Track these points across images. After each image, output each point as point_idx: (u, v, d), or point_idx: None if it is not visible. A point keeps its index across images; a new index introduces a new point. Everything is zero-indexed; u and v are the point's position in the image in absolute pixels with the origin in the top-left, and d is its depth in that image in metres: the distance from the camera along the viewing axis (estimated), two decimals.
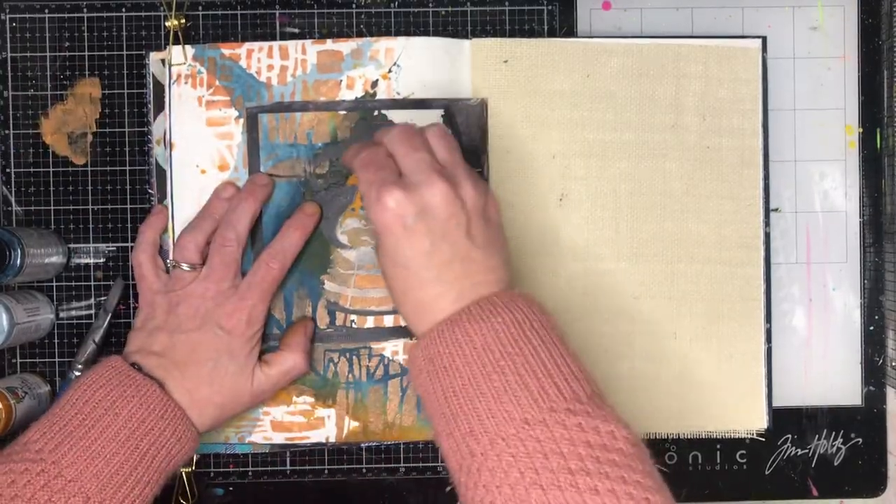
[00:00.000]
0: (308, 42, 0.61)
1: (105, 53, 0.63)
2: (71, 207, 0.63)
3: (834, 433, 0.64)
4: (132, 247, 0.60)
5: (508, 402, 0.44)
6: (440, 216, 0.49)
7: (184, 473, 0.62)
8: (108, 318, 0.62)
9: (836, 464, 0.64)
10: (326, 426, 0.61)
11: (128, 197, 0.63)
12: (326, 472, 0.63)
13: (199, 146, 0.60)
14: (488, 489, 0.43)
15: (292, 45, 0.61)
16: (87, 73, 0.63)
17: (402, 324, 0.61)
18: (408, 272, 0.49)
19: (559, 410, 0.43)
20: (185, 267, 0.56)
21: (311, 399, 0.61)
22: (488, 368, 0.45)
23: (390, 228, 0.49)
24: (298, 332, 0.59)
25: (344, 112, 0.60)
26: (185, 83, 0.60)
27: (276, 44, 0.61)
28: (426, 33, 0.63)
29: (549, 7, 0.64)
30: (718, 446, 0.64)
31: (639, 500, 0.41)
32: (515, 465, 0.42)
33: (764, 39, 0.62)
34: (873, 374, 0.64)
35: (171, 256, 0.59)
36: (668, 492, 0.43)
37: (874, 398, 0.64)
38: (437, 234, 0.49)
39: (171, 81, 0.60)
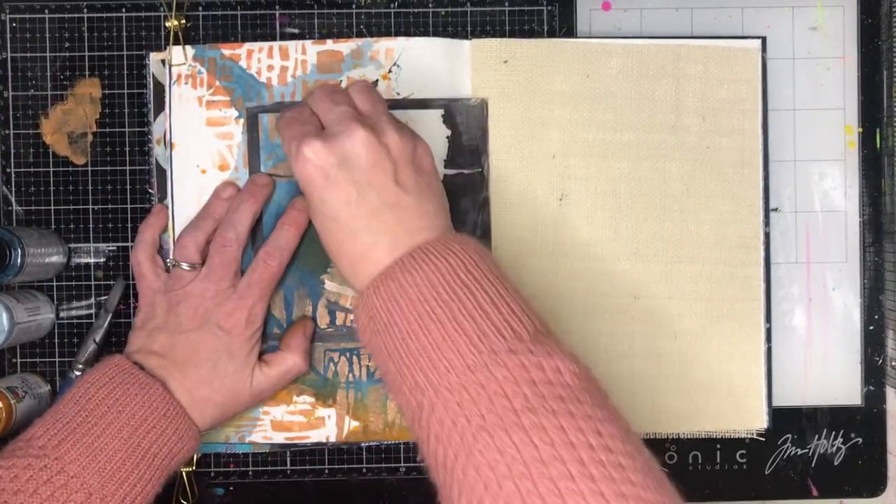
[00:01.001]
0: (308, 42, 0.61)
1: (105, 53, 0.63)
2: (71, 207, 0.63)
3: (834, 433, 0.64)
4: (132, 246, 0.61)
5: (448, 350, 0.43)
6: (363, 164, 0.48)
7: (184, 473, 0.62)
8: (109, 317, 0.62)
9: (836, 464, 0.64)
10: (327, 426, 0.61)
11: (128, 197, 0.63)
12: (326, 472, 0.63)
13: (200, 146, 0.60)
14: (439, 440, 0.42)
15: (292, 46, 0.61)
16: (87, 73, 0.63)
17: None
18: (338, 225, 0.49)
19: (500, 352, 0.43)
20: (184, 266, 0.56)
21: (311, 399, 0.61)
22: (425, 319, 0.44)
23: (313, 181, 0.48)
24: (298, 333, 0.59)
25: None
26: (186, 83, 0.60)
27: (276, 44, 0.61)
28: (426, 33, 0.63)
29: (549, 7, 0.64)
30: (718, 446, 0.64)
31: (588, 433, 0.40)
32: (462, 413, 0.42)
33: (764, 40, 0.62)
34: (873, 373, 0.64)
35: (171, 256, 0.59)
36: (623, 421, 0.42)
37: (874, 398, 0.64)
38: (362, 182, 0.48)
39: (172, 81, 0.60)
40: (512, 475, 0.39)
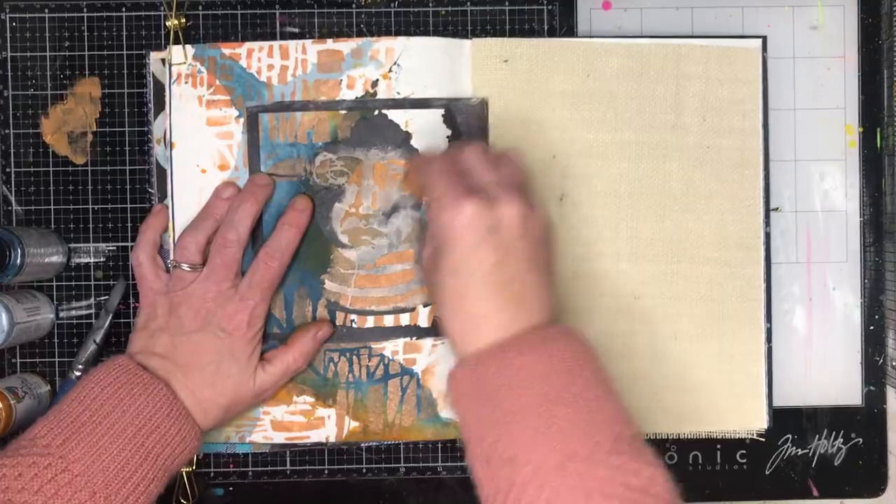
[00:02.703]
0: (308, 42, 0.61)
1: (105, 53, 0.63)
2: (71, 207, 0.63)
3: (834, 433, 0.64)
4: (132, 246, 0.60)
5: (554, 435, 0.44)
6: (512, 234, 0.49)
7: (184, 473, 0.62)
8: (110, 318, 0.62)
9: (836, 464, 0.64)
10: (326, 426, 0.61)
11: (128, 197, 0.63)
12: (326, 472, 0.63)
13: (200, 146, 0.60)
14: None
15: (293, 45, 0.61)
16: (87, 72, 0.63)
17: (403, 323, 0.61)
18: (467, 285, 0.49)
19: (603, 450, 0.43)
20: (185, 267, 0.56)
21: (311, 399, 0.61)
22: (537, 400, 0.45)
23: (462, 237, 0.48)
24: (306, 332, 0.59)
25: (344, 112, 0.60)
26: (186, 83, 0.60)
27: (276, 43, 0.61)
28: (426, 33, 0.63)
29: (550, 7, 0.64)
30: (718, 446, 0.64)
31: None
32: (554, 500, 0.42)
33: (764, 39, 0.62)
34: (873, 373, 0.64)
35: (171, 256, 0.59)
36: None
37: (874, 398, 0.64)
38: (504, 250, 0.48)
39: (172, 81, 0.60)
40: None
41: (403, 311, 0.61)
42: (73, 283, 0.63)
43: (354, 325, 0.61)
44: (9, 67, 0.63)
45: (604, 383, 0.47)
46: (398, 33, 0.63)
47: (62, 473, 0.48)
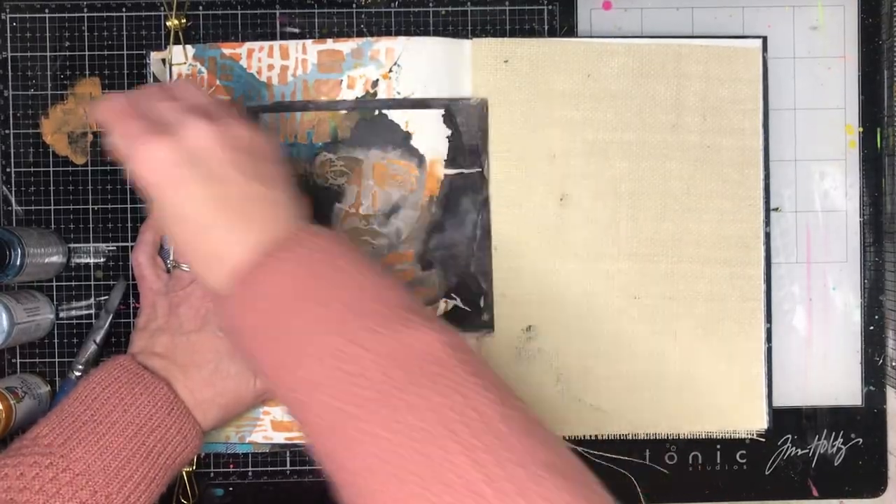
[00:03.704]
0: (308, 42, 0.61)
1: (105, 53, 0.63)
2: (71, 207, 0.63)
3: (834, 433, 0.64)
4: (132, 247, 0.60)
5: (308, 342, 0.42)
6: (210, 157, 0.45)
7: (184, 473, 0.62)
8: (110, 318, 0.62)
9: (836, 464, 0.64)
10: None
11: (128, 197, 0.63)
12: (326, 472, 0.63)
13: None
14: (320, 431, 0.41)
15: (293, 45, 0.61)
16: (87, 72, 0.63)
17: None
18: (187, 225, 0.46)
19: (365, 328, 0.41)
20: (185, 267, 0.57)
21: None
22: (286, 315, 0.43)
23: (158, 185, 0.45)
24: None
25: (345, 112, 0.60)
26: None
27: (276, 43, 0.61)
28: (426, 33, 0.63)
29: (550, 7, 0.63)
30: (718, 446, 0.64)
31: (464, 406, 0.39)
32: (331, 403, 0.40)
33: (764, 39, 0.62)
34: (873, 373, 0.64)
35: (171, 257, 0.59)
36: (503, 388, 0.41)
37: (874, 398, 0.64)
38: (210, 177, 0.45)
39: (172, 81, 0.60)
40: (380, 455, 0.38)
41: None
42: (73, 283, 0.63)
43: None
44: (9, 67, 0.63)
45: (357, 270, 0.44)
46: (398, 33, 0.63)
47: (63, 472, 0.48)
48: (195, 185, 0.45)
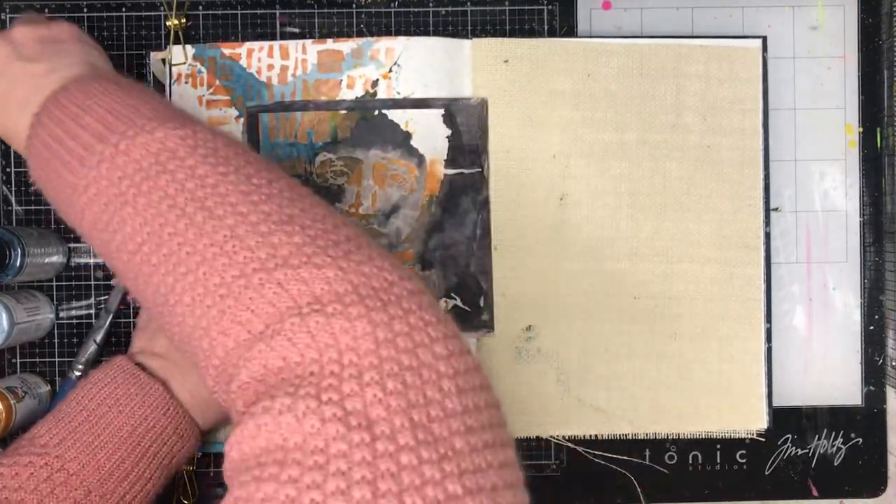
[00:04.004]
0: (308, 42, 0.61)
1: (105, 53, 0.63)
2: None
3: (834, 433, 0.64)
4: None
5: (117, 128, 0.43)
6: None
7: (185, 473, 0.62)
8: (110, 318, 0.62)
9: (836, 464, 0.64)
10: None
11: None
12: None
13: None
14: (95, 225, 0.42)
15: (293, 45, 0.61)
16: None
17: None
18: None
19: (130, 130, 0.42)
20: None
21: None
22: (64, 120, 0.44)
23: None
24: None
25: (344, 111, 0.60)
26: (186, 83, 0.60)
27: (276, 43, 0.61)
28: (426, 33, 0.63)
29: (550, 7, 0.63)
30: (718, 446, 0.64)
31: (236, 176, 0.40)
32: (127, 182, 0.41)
33: (764, 39, 0.62)
34: (873, 373, 0.64)
35: None
36: (272, 169, 0.41)
37: (874, 398, 0.64)
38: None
39: (172, 81, 0.60)
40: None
41: None
42: (73, 283, 0.63)
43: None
44: None
45: (113, 81, 0.47)
46: (398, 33, 0.63)
47: (58, 472, 0.49)
48: None
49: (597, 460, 0.63)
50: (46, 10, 0.63)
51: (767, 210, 0.62)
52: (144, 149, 0.41)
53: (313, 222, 0.38)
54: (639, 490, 0.63)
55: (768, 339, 0.62)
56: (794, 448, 0.64)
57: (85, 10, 0.63)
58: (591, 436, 0.62)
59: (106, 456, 0.50)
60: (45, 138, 0.45)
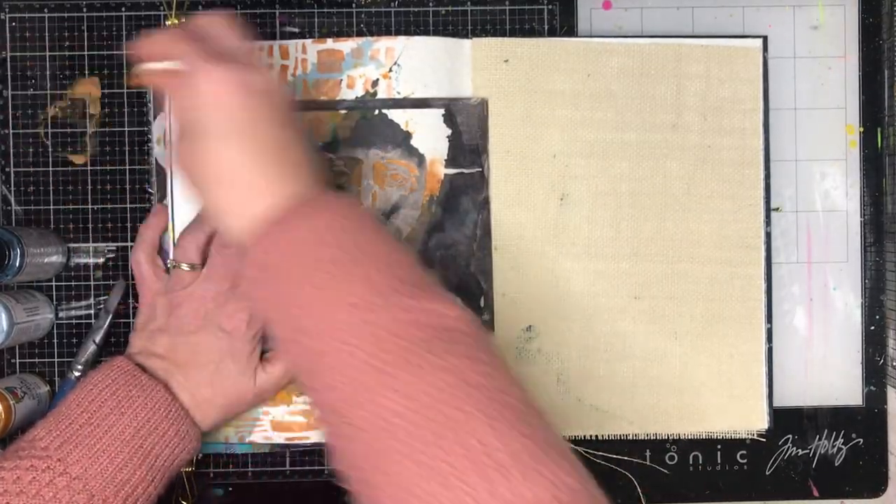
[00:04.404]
0: (308, 41, 0.61)
1: (105, 53, 0.63)
2: (71, 207, 0.63)
3: (835, 433, 0.64)
4: (132, 247, 0.60)
5: (335, 291, 0.42)
6: (263, 98, 0.47)
7: (184, 473, 0.62)
8: (109, 318, 0.62)
9: (836, 464, 0.64)
10: None
11: (128, 197, 0.63)
12: (326, 472, 0.63)
13: None
14: (333, 385, 0.41)
15: (292, 45, 0.60)
16: (86, 72, 0.63)
17: None
18: (226, 155, 0.46)
19: (385, 294, 0.42)
20: (184, 267, 0.56)
21: None
22: (310, 268, 0.43)
23: (212, 104, 0.45)
24: None
25: (344, 111, 0.60)
26: None
27: (276, 43, 0.61)
28: (426, 33, 0.63)
29: (550, 6, 0.63)
30: (718, 446, 0.64)
31: (470, 371, 0.39)
32: (346, 349, 0.41)
33: (765, 39, 0.62)
34: (874, 373, 0.64)
35: (171, 256, 0.59)
36: (504, 367, 0.42)
37: (875, 398, 0.64)
38: (258, 115, 0.46)
39: None
40: (399, 412, 0.39)
41: None
42: (73, 283, 0.63)
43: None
44: (9, 67, 0.63)
45: (382, 236, 0.45)
46: (398, 33, 0.63)
47: (60, 476, 0.48)
48: (245, 116, 0.45)
49: (597, 460, 0.63)
50: (46, 10, 0.63)
51: (768, 210, 0.62)
52: (415, 325, 0.41)
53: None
54: (639, 490, 0.63)
55: (769, 339, 0.62)
56: (794, 448, 0.64)
57: (84, 9, 0.63)
58: (591, 436, 0.62)
59: (108, 459, 0.50)
60: (280, 263, 0.44)
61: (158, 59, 0.48)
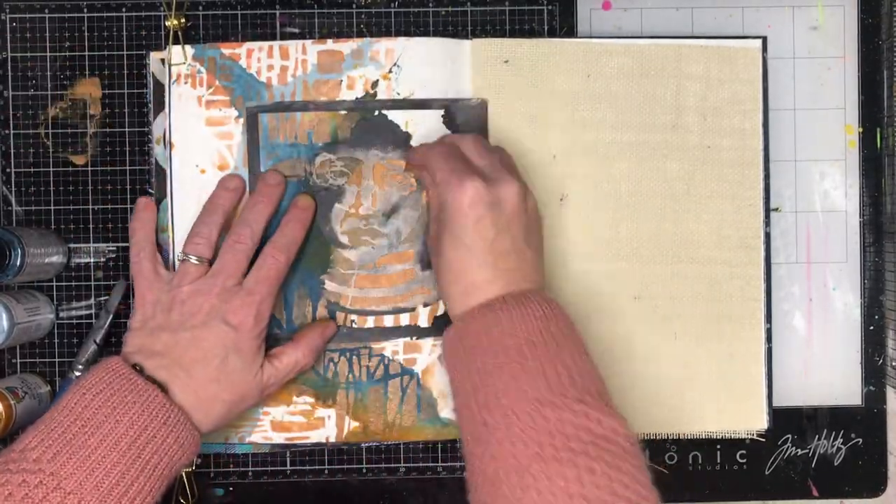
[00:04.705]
0: (308, 42, 0.61)
1: (105, 53, 0.63)
2: (71, 207, 0.63)
3: (834, 433, 0.64)
4: (130, 248, 0.60)
5: (524, 382, 0.48)
6: (509, 211, 0.53)
7: (184, 473, 0.62)
8: (110, 318, 0.62)
9: (836, 464, 0.64)
10: (326, 426, 0.61)
11: (128, 197, 0.63)
12: (326, 472, 0.63)
13: (199, 146, 0.60)
14: (495, 458, 0.47)
15: (292, 45, 0.61)
16: (87, 72, 0.63)
17: (403, 323, 0.61)
18: (470, 254, 0.53)
19: (569, 398, 0.47)
20: (193, 260, 0.56)
21: (311, 399, 0.61)
22: (511, 352, 0.49)
23: (464, 212, 0.52)
24: (314, 329, 0.59)
25: (344, 112, 0.60)
26: (185, 83, 0.60)
27: (276, 44, 0.61)
28: (426, 33, 0.63)
29: (550, 7, 0.64)
30: (718, 446, 0.64)
31: (628, 488, 0.44)
32: (521, 438, 0.46)
33: (764, 39, 0.62)
34: (873, 373, 0.64)
35: (178, 250, 0.58)
36: (657, 495, 0.46)
37: (874, 398, 0.64)
38: (503, 226, 0.53)
39: (171, 81, 0.60)
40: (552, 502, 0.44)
41: (403, 311, 0.61)
42: (73, 283, 0.63)
43: (354, 326, 0.61)
44: (9, 67, 0.63)
45: (577, 343, 0.52)
46: (398, 33, 0.63)
47: (54, 492, 0.46)
48: (489, 223, 0.53)
49: None
50: (46, 10, 0.63)
51: (767, 210, 0.62)
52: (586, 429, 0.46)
53: None
54: None
55: (768, 339, 0.62)
56: (794, 448, 0.64)
57: (85, 10, 0.63)
58: None
59: (105, 472, 0.47)
60: (490, 337, 0.51)
61: (419, 167, 0.58)
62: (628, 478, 0.45)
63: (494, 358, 0.49)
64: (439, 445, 0.63)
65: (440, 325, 0.61)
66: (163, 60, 0.61)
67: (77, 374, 0.61)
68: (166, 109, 0.60)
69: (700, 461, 0.64)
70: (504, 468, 0.46)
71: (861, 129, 0.64)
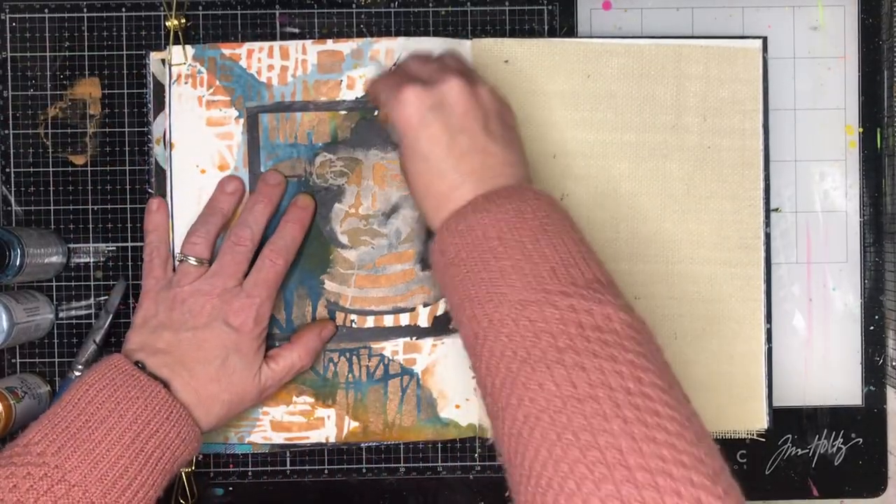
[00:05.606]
0: (308, 42, 0.61)
1: (105, 53, 0.63)
2: (71, 207, 0.63)
3: (834, 433, 0.64)
4: (142, 246, 0.60)
5: (504, 285, 0.45)
6: (457, 110, 0.50)
7: (184, 473, 0.62)
8: (110, 318, 0.62)
9: (836, 464, 0.64)
10: (326, 426, 0.61)
11: (128, 197, 0.63)
12: (326, 472, 0.63)
13: (199, 146, 0.60)
14: (489, 369, 0.45)
15: (293, 45, 0.61)
16: (87, 72, 0.63)
17: (403, 323, 0.61)
18: (428, 165, 0.50)
19: (552, 292, 0.44)
20: (192, 261, 0.56)
21: (310, 399, 0.61)
22: (487, 255, 0.47)
23: (410, 122, 0.50)
24: (312, 330, 0.59)
25: (344, 112, 0.60)
26: (185, 83, 0.60)
27: (276, 44, 0.61)
28: (426, 33, 0.63)
29: (550, 7, 0.64)
30: (718, 446, 0.64)
31: (627, 378, 0.41)
32: (509, 345, 0.44)
33: (764, 39, 0.62)
34: (873, 373, 0.64)
35: (177, 251, 0.59)
36: (670, 375, 0.43)
37: (874, 398, 0.64)
38: (455, 126, 0.50)
39: (171, 81, 0.60)
40: (549, 409, 0.41)
41: (403, 311, 0.61)
42: (73, 283, 0.63)
43: (354, 325, 0.61)
44: (9, 67, 0.63)
45: (561, 232, 0.48)
46: (398, 33, 0.63)
47: (58, 484, 0.47)
48: (438, 128, 0.50)
49: None
50: (46, 11, 0.63)
51: (767, 210, 0.62)
52: (589, 315, 0.43)
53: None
54: None
55: (768, 339, 0.62)
56: (794, 448, 0.64)
57: (85, 10, 0.63)
58: None
59: (109, 465, 0.48)
60: (467, 244, 0.48)
61: (374, 101, 0.56)
62: (628, 367, 0.41)
63: (473, 266, 0.47)
64: (439, 445, 0.63)
65: (440, 325, 0.61)
66: (163, 60, 0.61)
67: (77, 374, 0.61)
68: (166, 109, 0.60)
69: None
70: (500, 380, 0.44)
71: (861, 130, 0.64)
